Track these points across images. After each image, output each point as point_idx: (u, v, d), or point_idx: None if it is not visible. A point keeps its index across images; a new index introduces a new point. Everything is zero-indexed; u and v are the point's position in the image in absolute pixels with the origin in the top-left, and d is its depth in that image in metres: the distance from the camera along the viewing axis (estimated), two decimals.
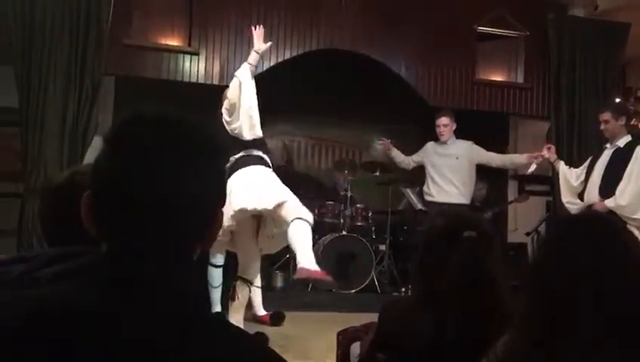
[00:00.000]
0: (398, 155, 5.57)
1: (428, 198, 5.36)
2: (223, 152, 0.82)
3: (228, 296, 4.34)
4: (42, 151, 4.65)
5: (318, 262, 3.71)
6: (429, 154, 5.33)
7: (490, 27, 5.90)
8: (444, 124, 5.16)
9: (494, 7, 5.86)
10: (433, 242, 1.50)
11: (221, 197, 0.81)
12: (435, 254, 1.46)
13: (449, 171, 5.15)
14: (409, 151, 5.66)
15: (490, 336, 1.23)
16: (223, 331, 0.76)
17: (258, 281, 4.69)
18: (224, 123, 4.09)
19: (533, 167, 4.87)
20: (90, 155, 4.69)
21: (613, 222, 1.08)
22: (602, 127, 4.28)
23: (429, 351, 1.34)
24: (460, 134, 5.29)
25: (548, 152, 4.75)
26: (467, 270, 1.37)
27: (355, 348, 1.62)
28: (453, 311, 1.33)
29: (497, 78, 6.10)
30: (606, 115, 4.25)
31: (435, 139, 5.31)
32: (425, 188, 5.43)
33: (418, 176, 5.72)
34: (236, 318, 4.05)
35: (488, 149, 5.33)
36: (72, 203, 0.78)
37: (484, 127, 5.82)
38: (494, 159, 5.27)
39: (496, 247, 1.47)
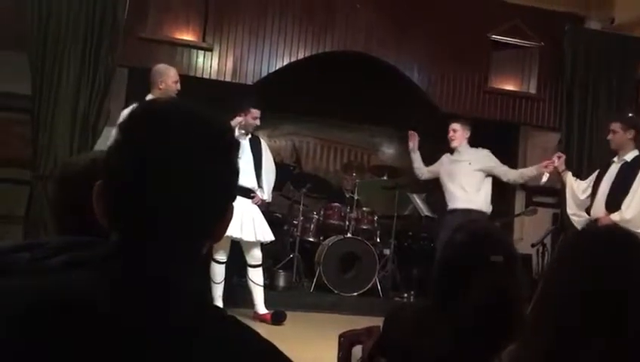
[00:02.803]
0: (417, 159, 5.34)
1: (447, 208, 5.12)
2: (235, 147, 0.82)
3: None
4: (53, 139, 4.67)
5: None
6: (445, 165, 5.17)
7: (505, 36, 5.88)
8: (454, 129, 5.03)
9: (510, 17, 5.84)
10: (455, 259, 1.45)
11: (232, 193, 0.81)
12: (457, 272, 1.41)
13: (461, 176, 4.99)
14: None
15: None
16: (229, 325, 0.76)
17: (261, 280, 4.70)
18: None
19: (545, 177, 4.72)
20: (100, 145, 4.71)
21: (622, 231, 1.06)
22: (609, 136, 4.26)
23: None
24: (469, 143, 5.22)
25: (558, 161, 4.66)
26: (493, 296, 1.33)
27: (357, 351, 1.61)
28: (473, 331, 1.30)
29: (510, 87, 6.07)
30: (615, 126, 4.22)
31: (449, 150, 5.16)
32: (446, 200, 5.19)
33: (426, 182, 5.70)
34: None
35: (497, 159, 5.19)
36: (89, 192, 0.78)
37: (494, 136, 5.79)
38: (506, 173, 5.11)
39: (519, 267, 1.43)
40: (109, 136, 4.04)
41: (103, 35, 4.80)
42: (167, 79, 4.14)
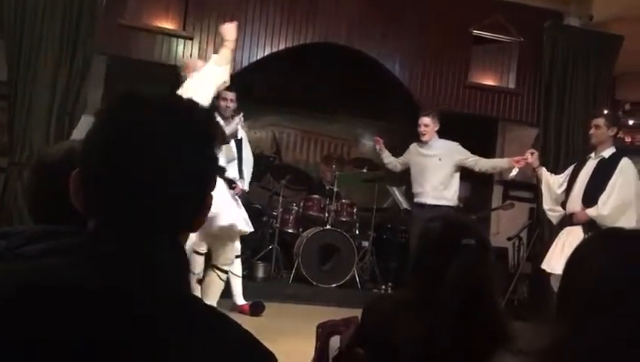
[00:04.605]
0: (387, 156, 5.47)
1: (414, 199, 5.27)
2: (214, 136, 0.81)
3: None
4: (29, 126, 4.59)
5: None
6: (412, 154, 5.25)
7: (486, 31, 5.92)
8: (425, 124, 5.06)
9: (491, 12, 5.88)
10: (430, 247, 1.50)
11: (211, 182, 0.81)
12: (432, 259, 1.45)
13: (430, 172, 5.07)
14: (398, 148, 5.64)
15: (483, 346, 1.24)
16: (207, 314, 0.77)
17: (239, 271, 4.69)
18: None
19: (514, 172, 4.76)
20: (77, 134, 4.65)
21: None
22: (592, 131, 4.28)
23: (419, 354, 1.35)
24: (447, 136, 5.22)
25: (531, 157, 4.70)
26: (466, 279, 1.37)
27: (335, 341, 1.62)
28: (450, 319, 1.33)
29: (489, 82, 6.13)
30: (599, 121, 4.25)
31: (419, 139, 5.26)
32: (412, 189, 5.34)
33: (405, 175, 5.74)
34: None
35: (475, 153, 5.21)
36: (66, 181, 0.77)
37: (472, 130, 5.84)
38: (477, 163, 5.16)
39: (491, 254, 1.48)
40: (86, 125, 3.96)
41: (81, 21, 4.72)
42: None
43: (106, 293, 0.69)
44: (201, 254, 4.56)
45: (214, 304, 4.32)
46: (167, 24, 5.34)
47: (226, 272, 4.38)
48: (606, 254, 1.00)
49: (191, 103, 0.80)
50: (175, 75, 5.12)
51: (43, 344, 0.65)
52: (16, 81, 4.58)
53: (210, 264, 4.34)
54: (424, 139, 5.11)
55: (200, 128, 0.79)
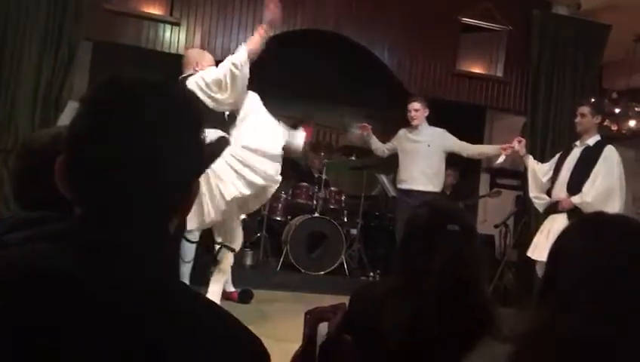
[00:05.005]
0: (375, 142, 5.50)
1: (399, 185, 5.31)
2: (201, 120, 0.81)
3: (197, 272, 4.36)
4: (14, 112, 4.54)
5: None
6: (402, 140, 5.29)
7: (475, 19, 5.92)
8: (416, 108, 5.13)
9: (480, 0, 5.87)
10: (416, 232, 1.52)
11: (198, 166, 0.80)
12: (418, 246, 1.47)
13: (420, 158, 5.12)
14: (386, 135, 5.65)
15: (470, 332, 1.25)
16: (197, 301, 0.77)
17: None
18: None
19: (501, 159, 4.84)
20: (63, 120, 4.60)
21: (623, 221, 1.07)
22: (577, 119, 4.33)
23: (407, 340, 1.36)
24: (436, 124, 5.27)
25: (518, 145, 4.75)
26: (452, 265, 1.38)
27: (323, 328, 1.63)
28: (436, 305, 1.35)
29: (477, 70, 6.13)
30: (584, 109, 4.31)
31: (409, 125, 5.28)
32: (397, 175, 5.40)
33: (393, 162, 5.75)
34: (217, 285, 4.11)
35: (463, 140, 5.26)
36: (52, 165, 0.76)
37: (460, 118, 5.85)
38: (465, 148, 5.23)
39: (476, 240, 1.50)
40: (71, 111, 3.91)
41: (67, 6, 4.66)
42: (203, 62, 3.96)
43: (94, 281, 0.68)
44: (192, 243, 4.55)
45: (227, 277, 4.40)
46: (154, 9, 5.28)
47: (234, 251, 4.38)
48: (585, 241, 1.01)
49: (178, 88, 0.79)
50: (162, 60, 5.09)
51: (30, 331, 0.64)
52: (0, 66, 4.52)
53: (223, 244, 4.33)
54: (414, 123, 5.16)
55: (187, 114, 0.78)
